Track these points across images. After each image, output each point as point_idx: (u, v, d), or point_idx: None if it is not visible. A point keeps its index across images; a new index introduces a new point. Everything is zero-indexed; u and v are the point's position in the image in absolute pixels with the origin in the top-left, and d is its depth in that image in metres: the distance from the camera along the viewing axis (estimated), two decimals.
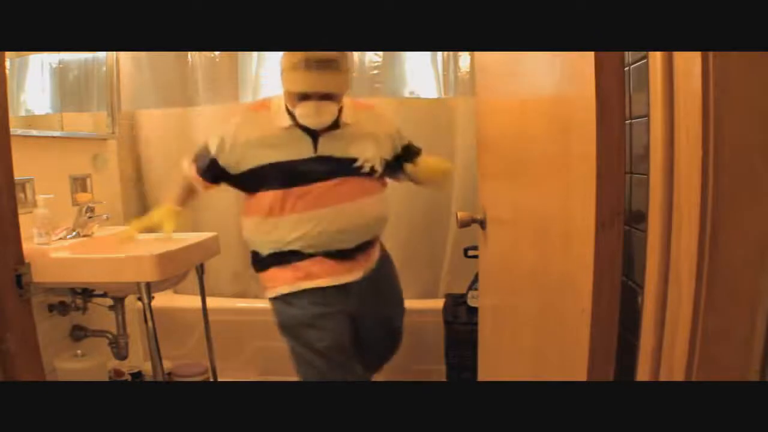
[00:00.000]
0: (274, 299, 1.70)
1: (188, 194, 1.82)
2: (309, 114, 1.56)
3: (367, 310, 1.76)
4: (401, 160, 1.81)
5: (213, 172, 1.70)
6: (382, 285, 1.83)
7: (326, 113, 1.57)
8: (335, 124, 1.63)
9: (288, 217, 1.63)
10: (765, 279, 0.63)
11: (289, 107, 1.61)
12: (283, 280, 1.67)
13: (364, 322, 1.78)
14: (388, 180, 1.84)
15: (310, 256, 1.65)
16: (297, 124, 1.61)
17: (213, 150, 1.66)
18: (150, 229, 1.83)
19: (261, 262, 1.73)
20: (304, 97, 1.55)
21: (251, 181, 1.66)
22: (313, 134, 1.62)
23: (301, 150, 1.62)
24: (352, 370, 1.69)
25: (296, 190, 1.61)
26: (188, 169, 1.76)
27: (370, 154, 1.67)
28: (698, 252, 0.64)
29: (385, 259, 1.85)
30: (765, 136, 0.61)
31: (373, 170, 1.68)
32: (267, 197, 1.63)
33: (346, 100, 1.69)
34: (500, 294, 1.36)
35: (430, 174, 1.80)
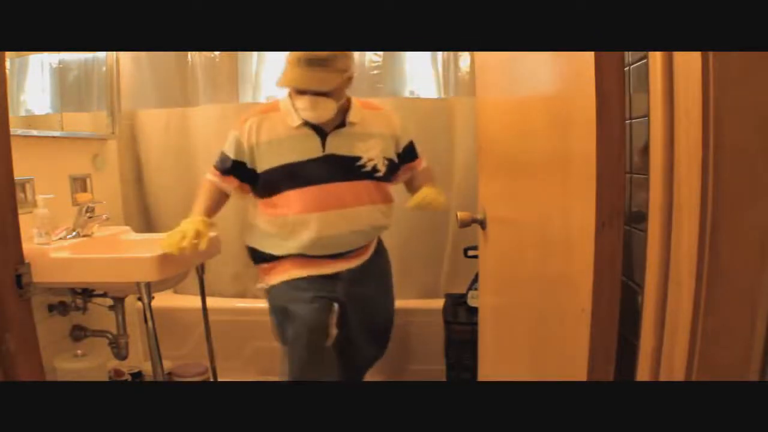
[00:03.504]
0: (267, 288, 1.78)
1: (216, 204, 1.76)
2: (306, 108, 1.63)
3: (356, 295, 1.79)
4: (400, 161, 1.83)
5: (237, 172, 1.72)
6: (373, 273, 1.87)
7: (322, 108, 1.62)
8: (342, 123, 1.69)
9: (293, 218, 1.67)
10: (765, 279, 0.63)
11: (293, 103, 1.67)
12: (277, 272, 1.74)
13: (352, 307, 1.80)
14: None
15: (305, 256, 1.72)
16: (305, 123, 1.66)
17: (232, 153, 1.70)
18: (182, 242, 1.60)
19: (259, 257, 1.80)
20: (301, 92, 1.62)
21: (264, 183, 1.70)
22: (322, 134, 1.68)
23: (311, 149, 1.67)
24: (329, 357, 1.72)
25: (305, 191, 1.65)
26: (213, 176, 1.75)
27: (373, 153, 1.71)
28: (698, 252, 0.64)
29: (378, 250, 1.90)
30: (765, 136, 0.61)
31: (375, 170, 1.72)
32: (277, 199, 1.68)
33: (355, 101, 1.75)
34: (500, 294, 1.36)
35: (423, 203, 1.77)
